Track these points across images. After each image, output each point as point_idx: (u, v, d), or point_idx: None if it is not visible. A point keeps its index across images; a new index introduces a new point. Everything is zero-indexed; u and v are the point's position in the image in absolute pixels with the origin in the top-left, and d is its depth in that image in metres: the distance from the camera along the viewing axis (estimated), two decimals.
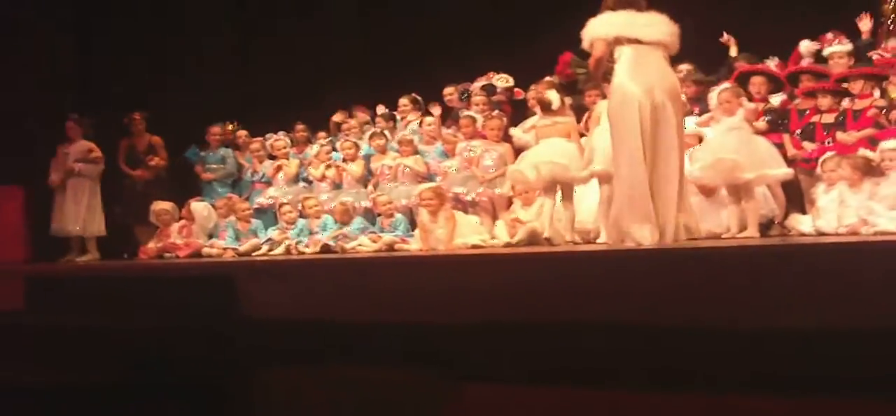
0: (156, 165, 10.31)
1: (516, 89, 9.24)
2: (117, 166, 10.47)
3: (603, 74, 6.08)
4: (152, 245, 9.87)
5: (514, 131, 8.48)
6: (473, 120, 8.71)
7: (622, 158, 5.75)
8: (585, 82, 8.05)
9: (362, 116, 9.95)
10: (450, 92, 9.67)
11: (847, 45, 7.70)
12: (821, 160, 6.93)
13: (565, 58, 8.24)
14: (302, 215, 9.22)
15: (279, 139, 10.20)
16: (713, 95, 7.18)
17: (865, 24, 7.76)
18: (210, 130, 10.62)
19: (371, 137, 9.45)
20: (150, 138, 10.55)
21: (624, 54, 5.81)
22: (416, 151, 9.16)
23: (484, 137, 8.60)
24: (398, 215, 8.61)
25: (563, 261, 5.42)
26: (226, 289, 6.14)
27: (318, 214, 9.03)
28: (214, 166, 10.46)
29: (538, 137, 7.73)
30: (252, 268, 7.28)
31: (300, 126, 10.47)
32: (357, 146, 9.49)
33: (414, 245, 8.18)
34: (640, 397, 4.46)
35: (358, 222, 8.82)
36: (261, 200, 10.00)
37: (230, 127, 10.66)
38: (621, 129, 5.72)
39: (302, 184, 9.87)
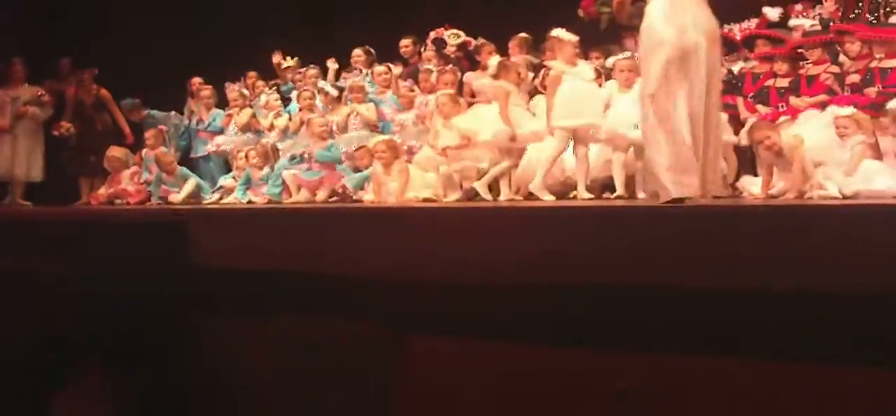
0: (67, 132, 10.27)
1: (468, 39, 9.23)
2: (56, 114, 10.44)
3: (628, 16, 5.82)
4: (103, 191, 9.77)
5: (476, 82, 8.47)
6: (431, 73, 8.70)
7: (651, 107, 5.46)
8: (608, 24, 7.87)
9: (313, 71, 9.79)
10: (406, 44, 9.67)
11: (813, 21, 7.79)
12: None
13: None
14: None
15: (233, 89, 10.09)
16: None
17: (829, 6, 7.75)
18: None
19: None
20: (98, 91, 10.48)
21: None
22: (367, 99, 9.16)
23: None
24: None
25: (514, 216, 5.47)
26: (174, 237, 6.19)
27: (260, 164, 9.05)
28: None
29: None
30: (202, 215, 7.27)
31: (252, 74, 10.39)
32: (314, 95, 9.40)
33: (366, 197, 8.18)
34: (589, 354, 4.58)
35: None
36: (209, 147, 9.92)
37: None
38: (650, 75, 5.45)
39: (249, 134, 9.73)
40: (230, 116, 9.86)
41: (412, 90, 8.87)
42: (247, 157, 9.11)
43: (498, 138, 7.44)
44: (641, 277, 4.34)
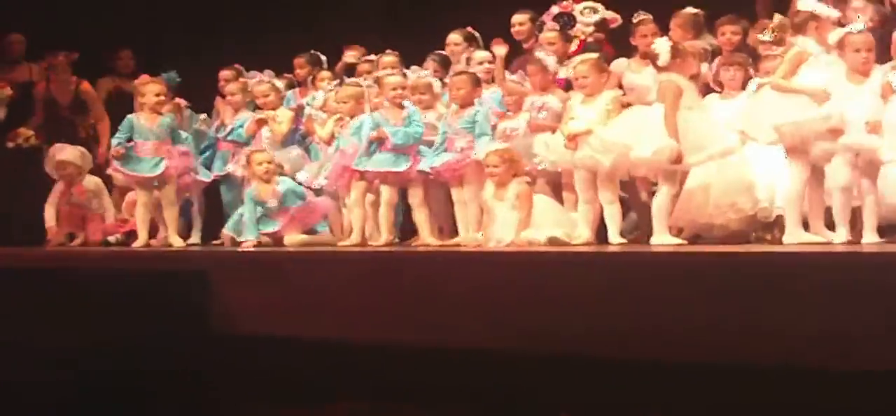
0: (26, 142, 10.49)
1: (610, 16, 9.28)
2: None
3: None
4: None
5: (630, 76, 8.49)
6: (544, 65, 8.64)
7: None
8: None
9: (389, 58, 9.71)
10: (521, 22, 9.64)
11: None
12: None
13: None
14: None
15: (262, 82, 10.09)
16: None
17: None
18: None
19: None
20: (78, 85, 10.70)
21: None
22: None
23: (562, 87, 8.60)
24: None
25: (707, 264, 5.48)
26: (196, 291, 6.47)
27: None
28: None
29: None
30: (226, 262, 7.55)
31: (299, 61, 10.49)
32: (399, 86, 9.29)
33: (468, 237, 8.33)
34: None
35: None
36: (230, 168, 9.97)
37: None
38: None
39: (295, 149, 9.78)
40: (259, 122, 9.88)
41: (522, 84, 8.82)
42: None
43: (658, 157, 7.41)
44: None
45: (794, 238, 6.98)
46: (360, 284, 6.07)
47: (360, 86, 9.23)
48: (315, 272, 6.58)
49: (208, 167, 10.09)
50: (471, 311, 5.46)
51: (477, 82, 8.67)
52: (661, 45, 7.60)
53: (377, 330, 5.63)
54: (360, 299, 5.88)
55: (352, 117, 9.00)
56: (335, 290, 6.10)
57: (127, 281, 7.01)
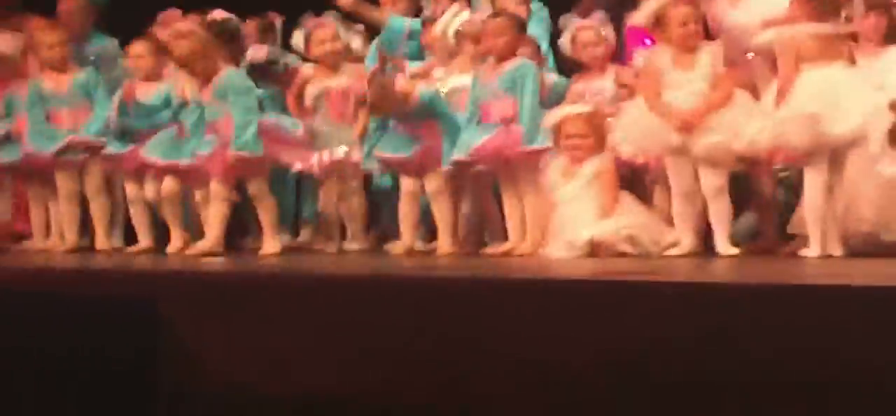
0: None
1: None
2: None
3: None
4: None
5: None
6: None
7: None
8: None
9: None
10: None
11: None
12: None
13: None
14: None
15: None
16: None
17: None
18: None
19: None
20: None
21: None
22: None
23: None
24: None
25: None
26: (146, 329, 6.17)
27: None
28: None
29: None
30: (186, 287, 7.02)
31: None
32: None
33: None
34: None
35: None
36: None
37: None
38: None
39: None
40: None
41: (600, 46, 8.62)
42: None
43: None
44: None
45: None
46: (366, 318, 5.69)
47: (194, 34, 8.98)
48: (305, 300, 6.22)
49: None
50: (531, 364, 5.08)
51: (522, 26, 8.47)
52: None
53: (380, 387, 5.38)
54: (365, 341, 5.55)
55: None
56: (334, 327, 5.75)
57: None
